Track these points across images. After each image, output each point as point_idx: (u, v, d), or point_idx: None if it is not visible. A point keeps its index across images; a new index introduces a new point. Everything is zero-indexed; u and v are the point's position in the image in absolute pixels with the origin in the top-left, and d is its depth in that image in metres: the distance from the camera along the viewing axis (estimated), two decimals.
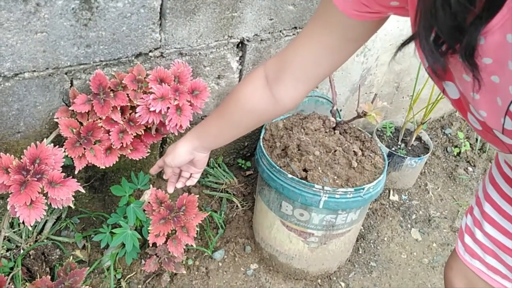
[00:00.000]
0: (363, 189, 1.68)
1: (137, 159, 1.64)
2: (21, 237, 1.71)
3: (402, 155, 2.28)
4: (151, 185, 1.75)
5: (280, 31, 1.86)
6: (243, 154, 2.23)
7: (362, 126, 2.48)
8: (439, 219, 2.30)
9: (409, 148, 2.37)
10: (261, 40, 1.84)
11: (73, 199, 1.36)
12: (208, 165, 2.12)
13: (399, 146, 2.36)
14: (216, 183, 2.11)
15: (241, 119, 1.23)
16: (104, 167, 1.54)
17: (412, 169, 2.33)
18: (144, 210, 1.70)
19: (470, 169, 2.61)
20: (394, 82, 2.43)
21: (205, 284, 1.83)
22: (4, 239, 1.66)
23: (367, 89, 2.37)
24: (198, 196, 1.74)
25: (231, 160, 2.22)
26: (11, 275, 1.58)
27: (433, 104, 2.22)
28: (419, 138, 2.44)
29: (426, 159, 2.35)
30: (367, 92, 2.38)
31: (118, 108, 1.55)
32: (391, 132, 2.41)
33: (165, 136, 1.80)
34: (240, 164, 2.23)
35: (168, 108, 1.53)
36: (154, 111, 1.51)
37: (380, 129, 2.43)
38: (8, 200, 1.28)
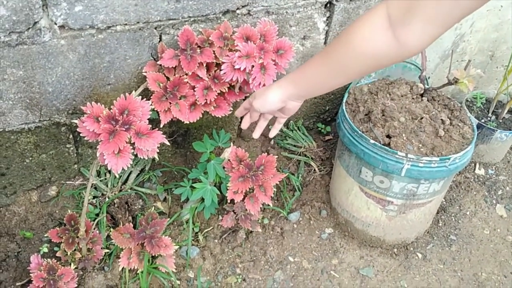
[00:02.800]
0: (449, 159, 1.62)
1: (219, 117, 1.66)
2: (107, 186, 1.79)
3: (492, 127, 2.16)
4: (231, 143, 1.77)
5: None
6: (323, 118, 2.20)
7: (450, 95, 2.37)
8: None
9: (500, 120, 2.24)
10: (351, 0, 1.78)
11: (158, 151, 1.39)
12: (287, 127, 2.11)
13: (489, 118, 2.24)
14: (294, 146, 2.10)
15: (353, 64, 1.12)
16: (187, 123, 1.57)
17: (502, 143, 2.21)
18: (223, 168, 1.72)
19: None
20: (488, 51, 2.30)
21: (279, 244, 1.84)
22: (91, 186, 1.74)
23: (458, 57, 2.25)
24: (276, 157, 1.74)
25: (311, 124, 2.20)
26: (96, 220, 1.67)
27: None
28: (511, 111, 2.30)
29: None
30: (459, 60, 2.26)
31: (204, 65, 1.57)
32: (481, 103, 2.28)
33: (248, 94, 1.80)
34: (319, 129, 2.20)
35: (253, 66, 1.53)
36: (239, 69, 1.52)
37: (470, 99, 2.31)
38: (96, 148, 1.33)
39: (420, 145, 1.65)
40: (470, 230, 2.01)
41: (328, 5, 1.78)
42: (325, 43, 1.88)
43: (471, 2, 0.91)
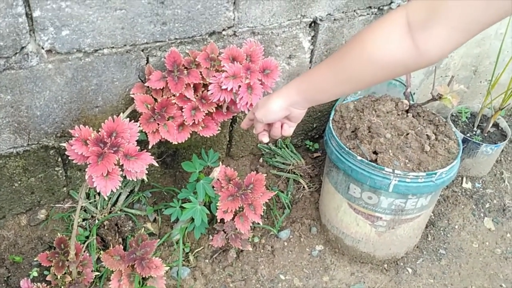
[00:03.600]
0: (435, 174, 1.64)
1: (208, 137, 1.67)
2: (97, 208, 1.79)
3: (477, 141, 2.19)
4: (220, 163, 1.78)
5: (354, 11, 1.83)
6: (311, 135, 2.22)
7: (436, 111, 2.40)
8: None
9: (485, 134, 2.27)
10: (334, 19, 1.81)
11: (147, 172, 1.40)
12: (275, 145, 2.13)
13: (474, 132, 2.27)
14: (283, 163, 2.11)
15: (365, 72, 1.04)
16: (176, 143, 1.58)
17: (488, 157, 2.24)
18: (213, 187, 1.73)
19: None
20: (471, 66, 2.34)
21: (270, 262, 1.84)
22: (80, 209, 1.74)
23: (442, 72, 2.28)
24: (265, 175, 1.75)
25: (299, 141, 2.21)
26: (86, 243, 1.66)
27: None
28: (496, 125, 2.33)
29: (503, 147, 2.25)
30: (443, 75, 2.30)
31: (191, 86, 1.58)
32: (466, 117, 2.32)
33: (235, 114, 1.81)
34: (308, 146, 2.22)
35: (240, 86, 1.55)
36: (226, 89, 1.53)
37: (455, 114, 2.35)
38: (85, 171, 1.34)
39: (407, 160, 1.67)
40: (459, 243, 2.03)
41: (313, 24, 1.81)
42: (310, 61, 1.91)
43: (503, 7, 0.83)
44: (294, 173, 2.11)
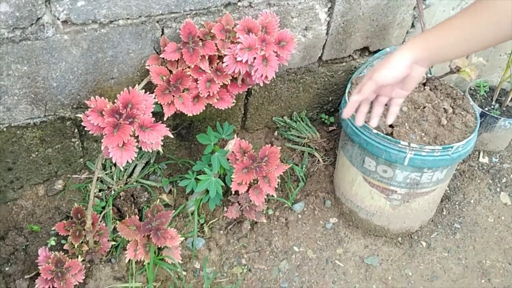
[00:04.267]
0: (452, 147, 1.62)
1: (223, 109, 1.66)
2: (113, 179, 1.80)
3: (495, 115, 2.16)
4: (235, 135, 1.78)
5: None
6: (326, 109, 2.21)
7: (454, 84, 2.36)
8: None
9: (504, 108, 2.24)
10: None
11: (162, 144, 1.41)
12: (291, 118, 2.12)
13: (493, 106, 2.24)
14: (298, 137, 2.11)
15: (495, 35, 1.04)
16: (191, 115, 1.58)
17: (506, 131, 2.21)
18: (228, 159, 1.74)
19: None
20: None
21: (284, 234, 1.86)
22: (97, 180, 1.76)
23: None
24: (280, 148, 1.75)
25: (314, 114, 2.20)
26: (102, 213, 1.69)
27: None
28: None
29: None
30: None
31: (206, 57, 1.57)
32: (485, 91, 2.28)
33: (250, 87, 1.81)
34: (323, 119, 2.21)
35: (255, 58, 1.54)
36: (241, 61, 1.52)
37: (473, 88, 2.31)
38: (101, 142, 1.35)
39: (423, 134, 1.66)
40: (474, 218, 2.02)
41: None
42: (327, 33, 1.88)
43: None
44: (309, 146, 2.10)
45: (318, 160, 2.08)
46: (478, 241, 1.95)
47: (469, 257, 1.89)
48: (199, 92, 1.58)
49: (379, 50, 2.03)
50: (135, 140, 1.37)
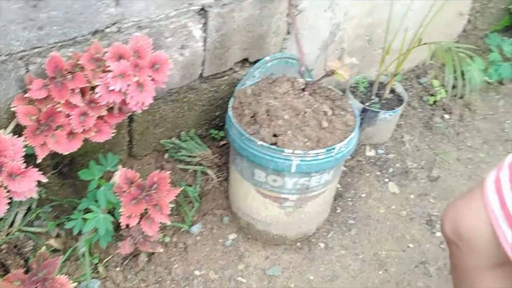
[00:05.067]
0: (334, 149, 1.67)
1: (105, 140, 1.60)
2: None
3: (376, 109, 2.26)
4: (120, 166, 1.72)
5: None
6: (215, 124, 2.20)
7: (335, 84, 2.44)
8: (416, 170, 2.30)
9: (383, 101, 2.35)
10: (224, 4, 1.78)
11: (39, 189, 1.33)
12: (179, 138, 2.09)
13: (373, 101, 2.34)
14: (189, 156, 2.08)
15: None
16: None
17: (387, 123, 2.32)
18: (115, 192, 1.67)
19: (446, 116, 2.60)
20: (365, 36, 2.39)
21: (184, 259, 1.82)
22: None
23: (338, 45, 2.32)
24: (171, 171, 1.72)
25: (204, 131, 2.19)
26: None
27: (405, 55, 2.19)
28: (393, 91, 2.41)
29: (400, 111, 2.34)
30: (338, 48, 2.33)
31: (77, 90, 1.50)
32: (364, 87, 2.38)
33: (132, 113, 1.75)
34: (213, 135, 2.19)
35: (129, 85, 1.49)
36: (114, 90, 1.47)
37: (353, 85, 2.40)
38: None
39: (306, 139, 1.69)
40: (366, 211, 2.10)
41: (202, 12, 1.77)
42: (204, 50, 1.87)
43: None
44: (201, 164, 2.08)
45: (212, 178, 2.06)
46: (372, 233, 2.02)
47: (365, 251, 1.96)
48: (73, 128, 1.51)
49: (259, 60, 2.05)
50: (6, 191, 1.28)
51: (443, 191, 2.23)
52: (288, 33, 2.08)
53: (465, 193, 1.30)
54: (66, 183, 1.87)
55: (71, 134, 1.52)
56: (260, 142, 1.65)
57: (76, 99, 1.50)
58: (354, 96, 2.32)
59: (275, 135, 1.70)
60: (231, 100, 1.84)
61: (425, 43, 2.06)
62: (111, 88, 1.46)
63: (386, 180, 2.25)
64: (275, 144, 1.67)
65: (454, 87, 2.50)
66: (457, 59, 2.00)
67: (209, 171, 2.06)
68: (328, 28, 2.18)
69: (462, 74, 2.13)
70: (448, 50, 1.99)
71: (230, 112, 1.78)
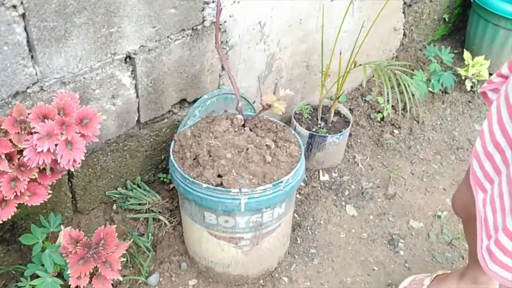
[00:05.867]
0: (282, 182, 1.64)
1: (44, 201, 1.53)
2: None
3: (323, 134, 2.24)
4: (62, 227, 1.64)
5: (168, 37, 1.77)
6: (162, 167, 2.14)
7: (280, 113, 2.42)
8: (372, 190, 2.28)
9: (330, 125, 2.33)
10: (149, 50, 1.75)
11: None
12: (126, 187, 2.02)
13: (319, 126, 2.33)
14: (139, 204, 2.01)
15: None
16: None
17: (336, 146, 2.31)
18: (61, 254, 1.59)
19: (396, 131, 2.61)
20: (302, 62, 2.39)
21: None
22: None
23: (276, 75, 2.31)
24: (122, 222, 1.65)
25: (151, 176, 2.13)
26: None
27: (343, 78, 2.19)
28: (338, 113, 2.41)
29: (348, 133, 2.33)
30: (277, 77, 2.32)
31: (3, 156, 1.43)
32: (308, 112, 2.36)
33: (64, 173, 1.68)
34: (162, 178, 2.14)
35: (57, 145, 1.43)
36: (42, 151, 1.41)
37: (298, 112, 2.38)
38: None
39: (251, 176, 1.65)
40: (327, 238, 2.06)
41: (128, 59, 1.73)
42: (137, 96, 1.82)
43: None
44: (152, 211, 2.01)
45: (165, 223, 2.00)
46: (335, 260, 1.98)
47: (330, 279, 1.91)
48: (4, 195, 1.44)
49: (197, 99, 2.01)
50: None
51: (401, 207, 2.22)
52: (223, 69, 2.05)
53: (466, 175, 1.49)
54: (11, 248, 1.78)
55: (3, 201, 1.45)
56: (205, 185, 1.61)
57: (3, 165, 1.42)
58: (300, 123, 2.30)
59: (219, 176, 1.65)
60: (172, 144, 1.79)
61: (360, 65, 2.06)
62: (38, 149, 1.40)
63: (343, 203, 2.22)
64: (220, 184, 1.63)
65: (400, 101, 2.52)
66: (394, 77, 2.00)
67: (161, 217, 2.00)
68: (263, 60, 2.17)
69: (405, 87, 2.13)
70: (383, 69, 1.99)
71: (172, 157, 1.74)
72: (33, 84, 1.53)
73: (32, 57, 1.48)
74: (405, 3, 2.64)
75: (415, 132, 2.61)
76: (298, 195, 2.20)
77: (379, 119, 2.63)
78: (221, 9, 1.75)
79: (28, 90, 1.53)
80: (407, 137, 2.58)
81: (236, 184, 1.62)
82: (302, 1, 2.12)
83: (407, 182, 2.35)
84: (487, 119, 1.28)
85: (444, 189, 2.32)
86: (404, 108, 2.66)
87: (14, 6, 1.35)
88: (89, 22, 1.53)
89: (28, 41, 1.44)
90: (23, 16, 1.38)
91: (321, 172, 2.34)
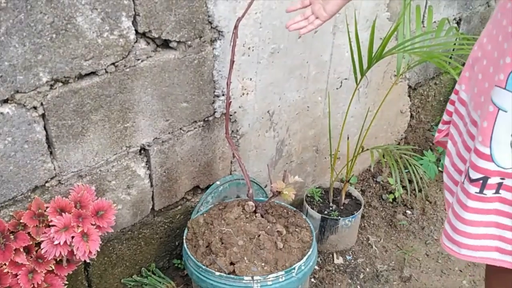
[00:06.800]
0: (294, 268, 1.65)
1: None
2: None
3: (335, 217, 2.26)
4: None
5: (180, 129, 1.86)
6: (176, 254, 2.17)
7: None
8: (387, 272, 2.27)
9: (341, 207, 2.36)
10: (163, 141, 1.82)
11: None
12: (140, 275, 2.04)
13: (331, 208, 2.35)
14: None
15: None
16: None
17: (349, 228, 2.32)
18: None
19: (408, 212, 2.62)
20: (312, 146, 2.45)
21: None
22: None
23: (287, 159, 2.37)
24: None
25: (166, 263, 2.15)
26: None
27: (352, 161, 2.24)
28: (349, 195, 2.44)
29: (359, 215, 2.34)
30: (288, 162, 2.38)
31: (21, 249, 1.48)
32: (319, 196, 2.40)
33: (80, 264, 1.72)
34: (176, 265, 2.15)
35: (73, 237, 1.48)
36: (59, 243, 1.46)
37: (310, 195, 2.42)
38: None
39: (263, 263, 1.67)
40: None
41: (143, 151, 1.80)
42: (151, 185, 1.88)
43: None
44: None
45: None
46: None
47: None
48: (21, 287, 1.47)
49: (210, 185, 2.07)
50: None
51: None
52: (234, 156, 2.12)
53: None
54: None
55: None
56: (218, 273, 1.63)
57: (22, 258, 1.47)
58: (311, 206, 2.33)
59: (232, 263, 1.68)
60: (185, 231, 1.83)
61: (367, 149, 2.11)
62: (56, 242, 1.45)
63: (359, 287, 2.20)
64: (233, 272, 1.65)
65: (410, 181, 2.55)
66: (401, 160, 2.05)
67: None
68: (273, 146, 2.23)
69: (413, 170, 2.17)
70: (390, 153, 2.05)
71: (185, 245, 1.77)
72: (52, 178, 1.59)
73: (51, 153, 1.56)
74: (409, 86, 2.73)
75: (427, 212, 2.61)
76: (312, 279, 2.19)
77: (391, 200, 2.65)
78: (231, 102, 1.83)
79: (47, 184, 1.59)
80: (420, 217, 2.59)
81: (248, 271, 1.64)
82: (308, 90, 2.21)
83: (422, 264, 2.33)
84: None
85: (460, 271, 2.29)
86: (415, 189, 2.68)
87: (35, 107, 1.44)
88: (105, 118, 1.62)
89: (47, 139, 1.53)
90: (43, 116, 1.48)
91: (335, 255, 2.34)
